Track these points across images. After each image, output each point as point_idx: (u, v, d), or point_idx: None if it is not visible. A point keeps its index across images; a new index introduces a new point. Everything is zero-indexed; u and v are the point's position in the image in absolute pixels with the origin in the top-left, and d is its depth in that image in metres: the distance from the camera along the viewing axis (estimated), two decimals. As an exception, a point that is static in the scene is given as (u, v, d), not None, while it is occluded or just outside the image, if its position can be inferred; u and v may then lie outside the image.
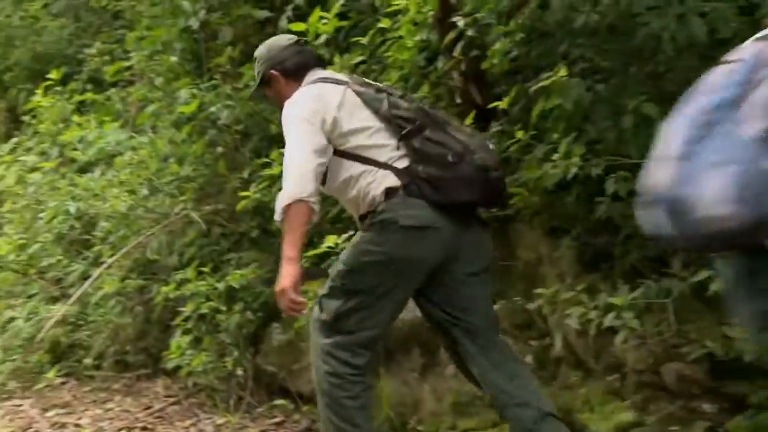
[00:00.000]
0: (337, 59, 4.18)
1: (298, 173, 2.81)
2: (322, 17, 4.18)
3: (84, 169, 6.27)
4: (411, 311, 3.37)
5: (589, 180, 3.22)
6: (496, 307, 3.22)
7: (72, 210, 5.71)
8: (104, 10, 7.58)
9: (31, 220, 6.17)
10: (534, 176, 3.33)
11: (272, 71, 3.17)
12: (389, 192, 2.86)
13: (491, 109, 3.63)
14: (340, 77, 3.11)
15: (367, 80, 3.13)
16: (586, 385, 3.22)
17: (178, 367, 4.73)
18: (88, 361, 5.47)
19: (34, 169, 6.36)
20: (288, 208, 2.79)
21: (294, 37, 3.29)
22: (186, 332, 4.69)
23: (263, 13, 5.00)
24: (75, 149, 6.20)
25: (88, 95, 6.73)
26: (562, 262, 3.43)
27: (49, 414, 4.97)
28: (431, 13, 3.90)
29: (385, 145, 2.90)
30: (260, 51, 3.27)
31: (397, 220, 2.82)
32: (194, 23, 5.11)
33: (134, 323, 5.39)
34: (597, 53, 3.35)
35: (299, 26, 4.20)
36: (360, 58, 4.22)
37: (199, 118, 4.90)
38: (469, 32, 3.68)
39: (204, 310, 4.61)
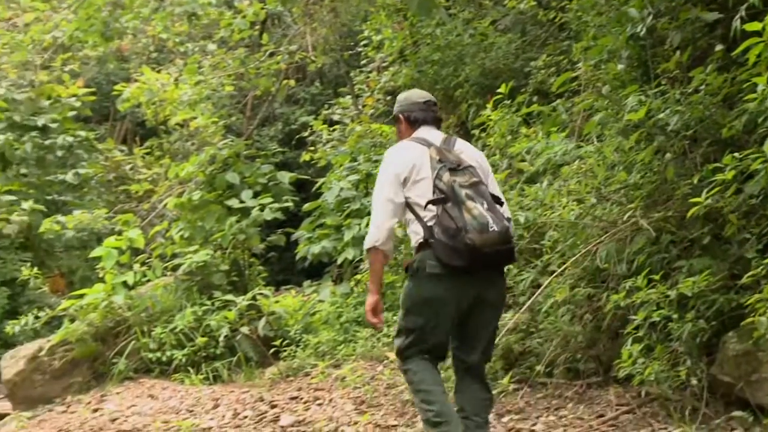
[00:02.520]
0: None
1: (375, 223, 4.59)
2: (779, 15, 4.43)
3: (532, 180, 7.07)
4: None
5: None
6: None
7: (521, 220, 6.49)
8: (550, 22, 8.52)
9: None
10: None
11: (400, 114, 4.95)
12: (421, 245, 4.50)
13: None
14: (431, 139, 4.71)
15: (448, 149, 4.63)
16: None
17: (629, 376, 5.21)
18: (539, 368, 6.09)
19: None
20: (368, 252, 4.60)
21: (428, 97, 4.96)
22: (637, 341, 5.16)
23: (713, 15, 5.39)
24: (523, 160, 7.09)
25: (535, 107, 7.66)
26: None
27: (505, 419, 5.69)
28: None
29: (422, 203, 4.48)
30: (402, 96, 5.06)
31: (425, 267, 4.45)
32: (641, 30, 5.70)
33: (584, 331, 5.98)
34: None
35: (754, 26, 4.57)
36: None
37: (647, 124, 5.45)
38: None
39: (655, 319, 5.11)
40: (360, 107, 12.32)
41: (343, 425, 6.08)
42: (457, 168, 4.49)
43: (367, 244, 4.59)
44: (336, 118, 13.78)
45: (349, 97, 14.45)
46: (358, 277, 9.53)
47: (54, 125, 17.40)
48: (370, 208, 10.09)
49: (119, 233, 11.40)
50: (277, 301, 10.40)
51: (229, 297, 9.95)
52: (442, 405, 4.44)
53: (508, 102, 7.58)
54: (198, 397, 7.95)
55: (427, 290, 4.47)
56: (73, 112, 17.97)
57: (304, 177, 12.49)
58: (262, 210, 10.70)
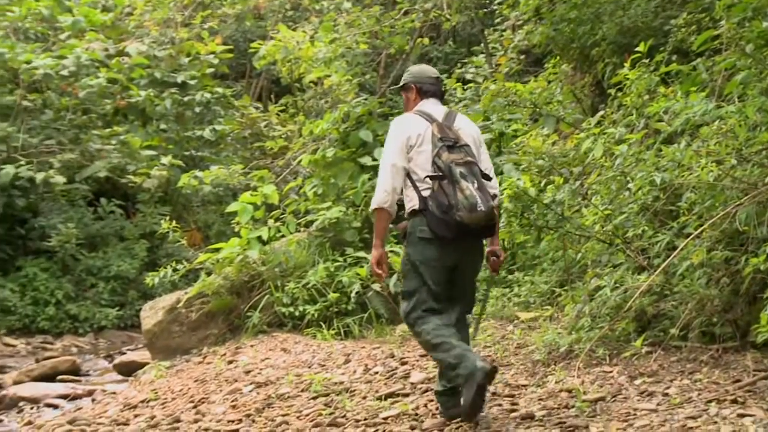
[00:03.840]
0: None
1: (383, 186, 5.17)
2: None
3: (669, 140, 6.95)
4: None
5: None
6: None
7: (657, 181, 6.41)
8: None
9: (616, 192, 7.04)
10: None
11: (413, 84, 5.49)
12: (414, 212, 5.17)
13: None
14: (434, 114, 5.29)
15: (449, 126, 5.23)
16: None
17: (767, 342, 5.14)
18: (673, 331, 6.05)
19: (620, 141, 7.17)
20: (374, 212, 5.24)
21: (437, 73, 5.59)
22: (775, 305, 5.05)
23: None
24: (660, 120, 7.00)
25: (674, 66, 7.54)
26: None
27: (637, 382, 5.65)
28: None
29: (422, 176, 5.13)
30: (415, 68, 5.64)
31: (416, 232, 5.15)
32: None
33: (721, 295, 5.89)
34: None
35: None
36: None
37: (793, 84, 5.38)
38: None
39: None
40: (494, 66, 12.31)
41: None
42: (454, 145, 5.16)
43: (375, 204, 5.22)
44: (469, 77, 13.82)
45: (482, 56, 14.45)
46: (490, 238, 9.57)
47: (192, 82, 18.07)
48: (502, 167, 10.25)
49: (254, 189, 11.76)
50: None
51: (361, 254, 10.17)
52: (459, 349, 5.02)
53: (647, 61, 7.48)
54: (330, 351, 8.22)
55: (420, 254, 5.18)
56: (211, 69, 18.61)
57: (437, 135, 12.55)
58: (394, 168, 10.81)
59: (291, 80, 14.04)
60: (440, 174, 5.06)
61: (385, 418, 5.67)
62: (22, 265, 16.98)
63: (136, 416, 7.12)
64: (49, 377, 11.41)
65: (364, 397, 6.32)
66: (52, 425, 7.21)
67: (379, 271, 5.30)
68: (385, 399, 6.20)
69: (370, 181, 10.79)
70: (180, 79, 18.02)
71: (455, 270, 5.26)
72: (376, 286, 9.76)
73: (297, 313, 9.80)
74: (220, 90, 18.41)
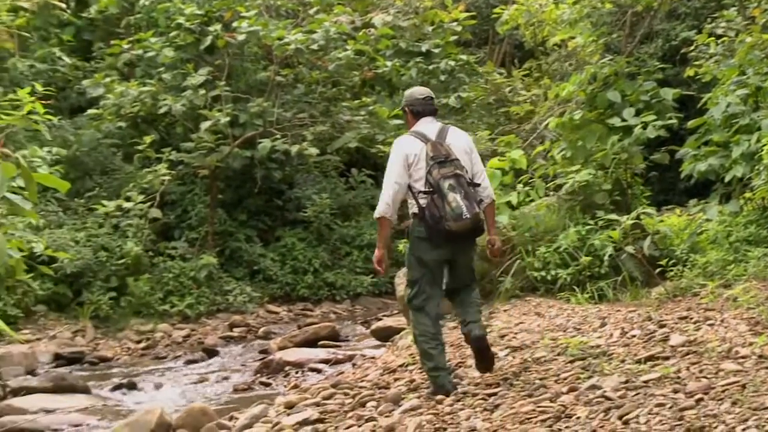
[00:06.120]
0: None
1: (385, 199, 6.25)
2: None
3: None
4: None
5: None
6: None
7: None
8: None
9: None
10: None
11: (406, 108, 6.60)
12: (415, 215, 6.27)
13: None
14: (428, 134, 6.35)
15: (441, 143, 6.29)
16: None
17: None
18: None
19: None
20: (378, 220, 6.34)
21: (426, 93, 6.59)
22: None
23: None
24: None
25: None
26: None
27: None
28: None
29: (420, 189, 6.20)
30: (407, 92, 6.75)
31: (415, 233, 6.29)
32: None
33: None
34: None
35: None
36: None
37: None
38: None
39: None
40: (747, 18, 11.78)
41: (737, 346, 6.12)
42: (444, 161, 6.22)
43: (378, 214, 6.31)
44: (719, 32, 13.31)
45: (734, 9, 13.85)
46: (748, 195, 9.31)
47: (437, 50, 18.40)
48: (759, 123, 9.87)
49: (501, 154, 11.90)
50: (661, 221, 10.41)
51: (612, 216, 10.11)
52: (438, 360, 6.37)
53: None
54: (584, 315, 8.28)
55: (419, 251, 6.32)
56: (455, 37, 18.87)
57: (688, 93, 12.23)
58: (644, 128, 10.65)
59: (534, 44, 14.08)
60: (431, 190, 6.15)
61: (646, 382, 5.70)
62: (281, 235, 18.04)
63: (395, 380, 7.43)
64: (310, 343, 12.14)
65: (623, 361, 6.37)
66: (317, 389, 7.63)
67: (379, 268, 6.46)
68: (645, 362, 6.21)
69: (620, 141, 10.68)
70: (424, 48, 18.39)
71: (451, 261, 6.43)
72: (630, 249, 9.70)
73: (549, 278, 9.90)
74: (463, 57, 18.62)
